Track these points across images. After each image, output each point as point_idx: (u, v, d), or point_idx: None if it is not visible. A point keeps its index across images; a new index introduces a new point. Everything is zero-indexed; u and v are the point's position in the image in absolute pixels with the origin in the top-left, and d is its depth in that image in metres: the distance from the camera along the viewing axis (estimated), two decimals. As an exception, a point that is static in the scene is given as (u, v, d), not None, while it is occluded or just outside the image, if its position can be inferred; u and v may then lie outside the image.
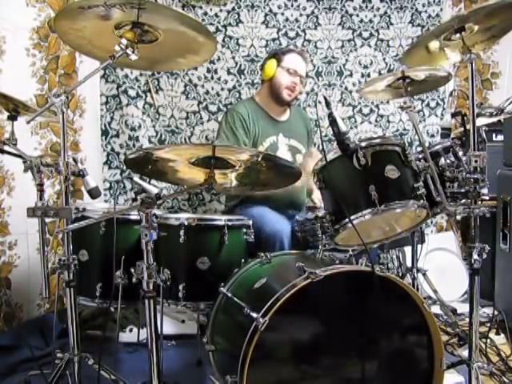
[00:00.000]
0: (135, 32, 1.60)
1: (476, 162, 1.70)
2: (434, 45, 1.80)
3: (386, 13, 3.38)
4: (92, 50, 1.74)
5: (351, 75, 3.39)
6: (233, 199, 2.69)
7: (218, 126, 3.21)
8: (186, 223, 2.03)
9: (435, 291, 2.71)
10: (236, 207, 2.61)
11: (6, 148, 1.82)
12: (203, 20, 3.14)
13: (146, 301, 1.43)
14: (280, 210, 2.60)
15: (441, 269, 3.13)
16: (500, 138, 3.09)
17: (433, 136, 3.48)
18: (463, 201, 1.77)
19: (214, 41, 1.72)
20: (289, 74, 2.65)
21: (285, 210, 2.64)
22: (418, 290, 2.72)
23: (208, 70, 3.19)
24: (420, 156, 1.86)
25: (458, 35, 1.72)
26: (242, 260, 2.06)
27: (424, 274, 2.71)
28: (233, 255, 2.07)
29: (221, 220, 2.09)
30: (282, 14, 3.27)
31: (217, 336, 1.79)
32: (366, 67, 3.40)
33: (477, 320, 1.77)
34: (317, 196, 2.72)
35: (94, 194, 1.79)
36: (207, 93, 3.21)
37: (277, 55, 2.70)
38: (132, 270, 1.45)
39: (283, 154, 2.66)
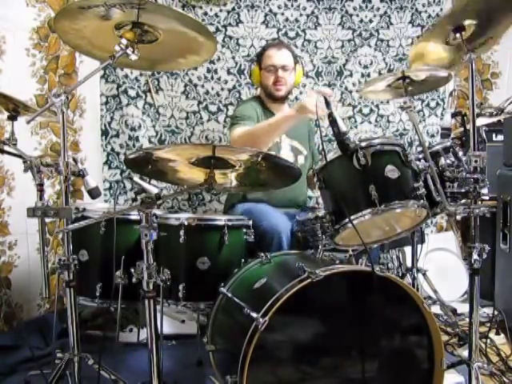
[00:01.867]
0: (135, 32, 1.60)
1: (476, 161, 1.70)
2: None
3: (385, 13, 3.37)
4: (92, 50, 1.75)
5: (351, 75, 3.38)
6: (233, 198, 2.69)
7: (217, 126, 3.23)
8: (185, 223, 2.03)
9: (435, 291, 2.71)
10: (236, 206, 2.62)
11: (6, 148, 1.82)
12: (203, 20, 3.14)
13: (146, 301, 1.43)
14: (280, 209, 2.61)
15: (441, 269, 3.13)
16: (500, 138, 3.09)
17: (433, 136, 3.47)
18: (463, 201, 1.77)
19: (214, 41, 1.73)
20: (268, 72, 2.66)
21: (285, 208, 2.64)
22: (418, 290, 2.72)
23: (208, 70, 3.19)
24: (420, 156, 1.86)
25: (458, 35, 1.73)
26: (242, 260, 2.06)
27: (424, 274, 2.71)
28: (233, 255, 2.07)
29: (221, 220, 2.09)
30: (282, 14, 3.27)
31: (217, 336, 1.79)
32: (366, 67, 3.40)
33: (477, 320, 1.77)
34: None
35: (94, 193, 1.79)
36: (207, 93, 3.21)
37: (256, 60, 2.74)
38: (132, 270, 1.46)
39: (286, 154, 2.66)
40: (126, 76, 3.04)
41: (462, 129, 1.92)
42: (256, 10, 3.22)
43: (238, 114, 2.64)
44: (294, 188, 2.55)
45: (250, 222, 2.17)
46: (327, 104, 1.72)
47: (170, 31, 1.62)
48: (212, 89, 3.21)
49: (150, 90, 3.12)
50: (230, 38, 3.21)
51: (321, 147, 2.88)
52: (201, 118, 3.22)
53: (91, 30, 1.62)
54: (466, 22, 1.72)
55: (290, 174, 1.73)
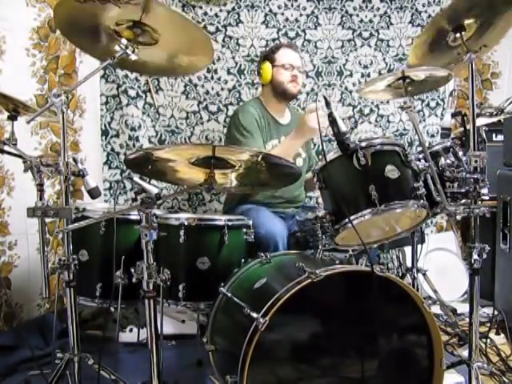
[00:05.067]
0: (135, 32, 1.60)
1: (476, 162, 1.70)
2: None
3: (385, 13, 3.38)
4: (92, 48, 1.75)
5: (351, 75, 3.39)
6: (232, 200, 2.69)
7: (217, 126, 3.23)
8: (185, 223, 2.03)
9: (435, 291, 2.71)
10: (235, 207, 2.62)
11: (6, 148, 1.82)
12: (203, 20, 3.14)
13: (146, 301, 1.43)
14: (279, 209, 2.61)
15: (441, 269, 3.13)
16: (500, 138, 3.08)
17: (433, 136, 3.48)
18: (463, 201, 1.77)
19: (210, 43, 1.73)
20: (285, 69, 2.64)
21: (284, 208, 2.64)
22: (418, 290, 2.72)
23: (208, 70, 3.19)
24: (420, 156, 1.86)
25: (458, 35, 1.73)
26: (242, 260, 2.06)
27: (424, 274, 2.71)
28: (233, 255, 2.07)
29: (221, 220, 2.09)
30: (282, 14, 3.27)
31: (217, 336, 1.79)
32: (366, 67, 3.40)
33: (477, 320, 1.77)
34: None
35: (94, 193, 1.79)
36: (207, 93, 3.21)
37: (268, 56, 2.71)
38: (132, 270, 1.45)
39: None
40: (126, 76, 3.04)
41: (462, 129, 1.92)
42: (256, 10, 3.22)
43: (244, 125, 2.54)
44: (293, 188, 2.57)
45: (250, 222, 2.17)
46: (327, 104, 1.72)
47: (169, 34, 1.62)
48: (212, 89, 3.21)
49: (150, 90, 3.11)
50: (230, 37, 3.20)
51: (320, 147, 2.89)
52: (201, 118, 3.22)
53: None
54: (466, 22, 1.72)
55: (289, 175, 1.73)
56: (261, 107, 2.70)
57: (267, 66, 2.66)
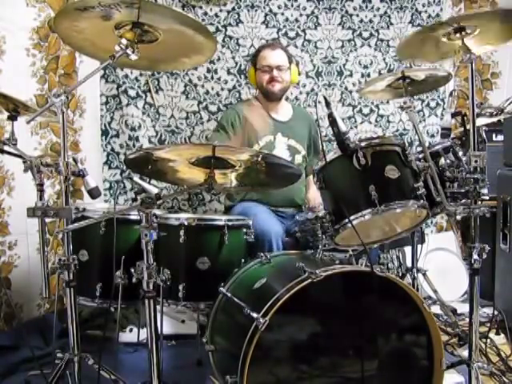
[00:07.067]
0: (135, 32, 1.60)
1: (476, 162, 1.70)
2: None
3: (385, 13, 3.37)
4: (95, 52, 1.75)
5: (351, 75, 3.38)
6: (232, 199, 2.69)
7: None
8: (185, 223, 2.03)
9: (435, 291, 2.71)
10: (233, 206, 2.62)
11: (6, 148, 1.82)
12: (203, 20, 3.13)
13: (146, 301, 1.43)
14: (279, 209, 2.61)
15: (441, 269, 3.12)
16: (500, 138, 3.08)
17: (433, 136, 3.47)
18: (463, 201, 1.77)
19: (213, 39, 1.73)
20: (264, 72, 2.70)
21: (284, 208, 2.64)
22: (417, 290, 2.72)
23: (208, 70, 3.19)
24: (420, 156, 1.86)
25: (457, 35, 1.73)
26: (242, 260, 2.06)
27: (424, 274, 2.71)
28: (233, 255, 2.07)
29: (221, 220, 2.09)
30: (282, 14, 3.27)
31: (217, 336, 1.79)
32: (366, 67, 3.39)
33: (477, 320, 1.77)
34: (312, 195, 2.71)
35: (94, 193, 1.79)
36: (207, 93, 3.21)
37: (252, 60, 2.79)
38: (132, 270, 1.46)
39: (281, 153, 2.66)
40: (126, 76, 3.04)
41: (462, 129, 1.92)
42: (256, 10, 3.22)
43: (219, 122, 2.81)
44: (293, 187, 2.56)
45: (250, 222, 2.17)
46: (327, 104, 1.72)
47: (170, 31, 1.62)
48: (212, 89, 3.21)
49: (150, 90, 3.11)
50: (230, 37, 3.20)
51: (321, 147, 2.88)
52: (201, 118, 3.22)
53: (92, 30, 1.62)
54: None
55: (289, 174, 1.73)
56: (254, 106, 2.74)
57: (251, 70, 2.77)
